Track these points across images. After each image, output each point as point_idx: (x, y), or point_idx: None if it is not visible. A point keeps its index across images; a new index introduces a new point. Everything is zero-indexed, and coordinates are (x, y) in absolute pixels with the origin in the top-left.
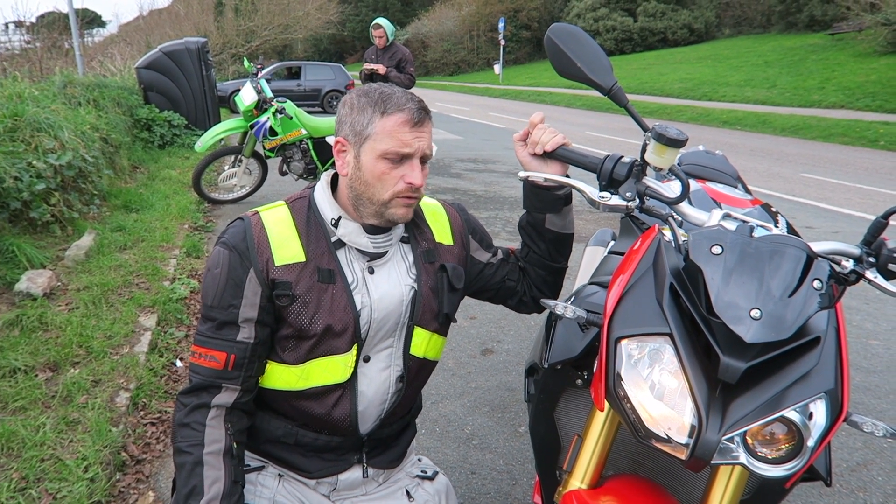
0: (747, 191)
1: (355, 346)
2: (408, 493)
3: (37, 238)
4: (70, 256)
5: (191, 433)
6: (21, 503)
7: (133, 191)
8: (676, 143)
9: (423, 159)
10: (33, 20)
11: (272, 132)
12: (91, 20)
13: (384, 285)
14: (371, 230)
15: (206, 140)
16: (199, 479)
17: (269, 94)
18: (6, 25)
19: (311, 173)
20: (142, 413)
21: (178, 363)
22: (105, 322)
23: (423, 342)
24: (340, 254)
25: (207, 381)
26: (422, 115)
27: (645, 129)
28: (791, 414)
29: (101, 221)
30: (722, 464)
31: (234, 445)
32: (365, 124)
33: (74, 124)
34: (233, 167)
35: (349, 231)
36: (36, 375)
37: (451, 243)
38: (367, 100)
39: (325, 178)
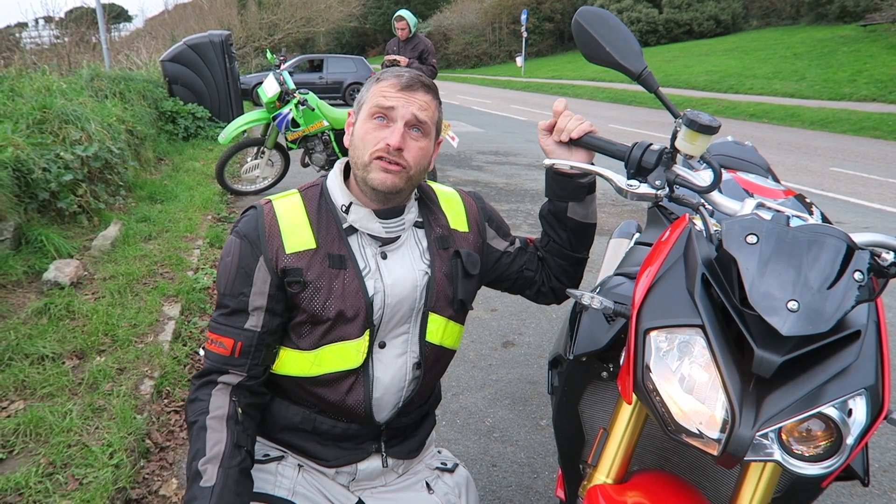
0: (778, 182)
1: (367, 332)
2: (427, 485)
3: (64, 228)
4: (96, 246)
5: (198, 405)
6: (49, 488)
7: (158, 182)
8: (709, 130)
9: (416, 128)
10: (62, 15)
11: (294, 124)
12: (118, 15)
13: (397, 270)
14: (382, 215)
15: (230, 132)
16: (202, 442)
17: (292, 86)
18: (36, 21)
19: (333, 165)
20: (166, 401)
21: (202, 352)
22: (130, 311)
23: (439, 329)
24: (352, 240)
25: (216, 366)
26: (413, 83)
27: (675, 115)
28: (829, 410)
29: (126, 212)
30: (755, 460)
31: (239, 411)
32: (364, 93)
33: (101, 116)
34: (255, 159)
35: (360, 216)
36: (63, 363)
37: (467, 230)
38: (373, 77)
39: (339, 165)
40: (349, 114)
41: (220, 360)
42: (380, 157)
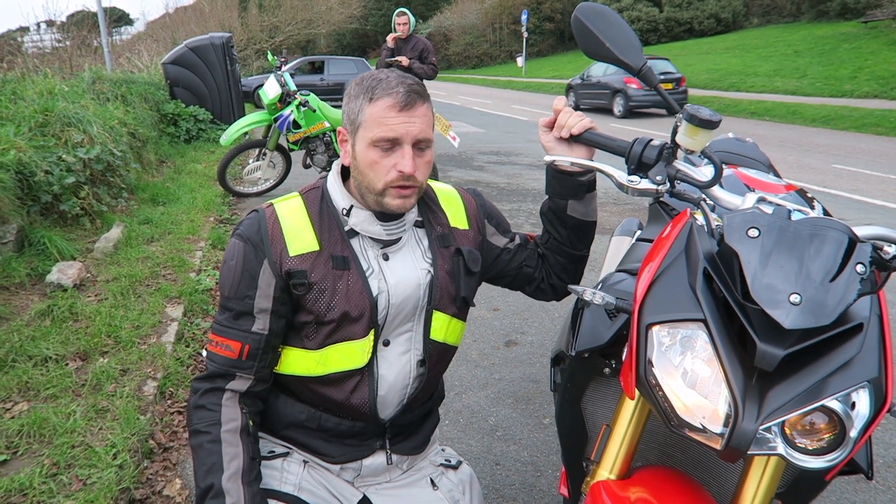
0: (779, 178)
1: (372, 332)
2: (432, 481)
3: (67, 230)
4: (99, 248)
5: (206, 414)
6: (52, 488)
7: (160, 184)
8: (709, 125)
9: (420, 145)
10: (63, 19)
11: (296, 125)
12: (119, 18)
13: (400, 270)
14: (383, 218)
15: (231, 134)
16: (218, 456)
17: (293, 87)
18: (38, 25)
19: None
20: (169, 402)
21: (205, 353)
22: (133, 312)
23: (443, 326)
24: (354, 242)
25: (222, 368)
26: (411, 99)
27: (676, 110)
28: (833, 403)
29: (129, 214)
30: (759, 454)
31: (250, 424)
32: (356, 112)
33: (103, 119)
34: (257, 160)
35: (361, 220)
36: (66, 364)
37: (467, 227)
38: (359, 88)
39: (336, 167)
40: (342, 131)
41: (227, 364)
42: (393, 184)
